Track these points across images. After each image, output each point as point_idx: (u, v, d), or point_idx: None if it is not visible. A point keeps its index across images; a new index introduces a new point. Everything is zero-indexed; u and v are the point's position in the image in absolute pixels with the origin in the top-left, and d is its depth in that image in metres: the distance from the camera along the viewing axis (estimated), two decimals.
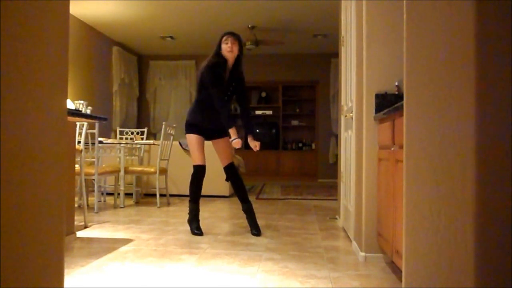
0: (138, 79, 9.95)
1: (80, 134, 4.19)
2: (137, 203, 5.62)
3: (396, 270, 2.51)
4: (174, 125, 5.88)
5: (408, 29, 1.34)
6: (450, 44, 1.00)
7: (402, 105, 1.97)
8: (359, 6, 2.97)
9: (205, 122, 3.69)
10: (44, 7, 1.05)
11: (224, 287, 2.25)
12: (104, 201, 5.62)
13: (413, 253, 1.28)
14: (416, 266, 1.26)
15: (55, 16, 1.10)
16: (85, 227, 3.80)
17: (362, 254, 2.78)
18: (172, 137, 5.56)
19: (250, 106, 3.87)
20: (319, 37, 8.36)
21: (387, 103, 2.70)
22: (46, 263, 1.08)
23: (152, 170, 5.27)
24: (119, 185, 5.24)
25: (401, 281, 1.84)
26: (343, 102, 3.89)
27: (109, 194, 5.94)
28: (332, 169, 9.02)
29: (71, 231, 3.34)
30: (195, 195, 3.69)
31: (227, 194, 6.20)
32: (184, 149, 6.22)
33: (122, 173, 5.17)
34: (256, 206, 5.39)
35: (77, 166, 3.96)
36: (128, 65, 9.38)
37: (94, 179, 4.67)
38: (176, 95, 10.06)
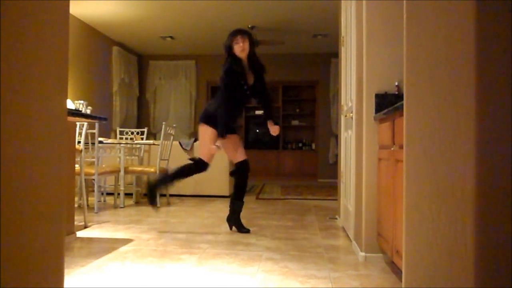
0: (138, 79, 9.95)
1: (80, 134, 4.19)
2: (137, 203, 5.62)
3: (396, 270, 2.51)
4: (174, 125, 5.88)
5: (408, 29, 1.34)
6: (450, 44, 0.99)
7: (402, 105, 1.97)
8: (359, 6, 2.97)
9: (230, 122, 3.69)
10: (44, 7, 1.05)
11: (224, 287, 2.25)
12: (104, 201, 5.62)
13: (413, 253, 1.28)
14: (416, 266, 1.26)
15: (55, 16, 1.10)
16: (85, 227, 3.80)
17: (362, 254, 2.78)
18: (172, 137, 5.56)
19: (269, 95, 3.92)
20: (319, 37, 8.36)
21: (387, 103, 2.70)
22: (46, 263, 1.08)
23: (152, 170, 5.27)
24: (119, 185, 5.24)
25: (401, 281, 1.84)
26: (343, 102, 3.89)
27: (109, 194, 5.94)
28: (332, 169, 9.02)
29: (71, 231, 3.34)
30: (171, 180, 3.68)
31: (227, 194, 6.19)
32: (184, 149, 6.23)
33: (122, 173, 5.17)
34: (256, 206, 5.42)
35: (77, 166, 3.96)
36: (128, 65, 9.38)
37: (94, 179, 4.67)
38: (176, 95, 10.06)
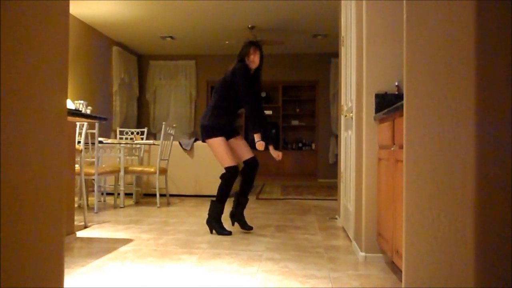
0: (138, 79, 9.95)
1: (80, 134, 4.19)
2: (137, 203, 5.61)
3: (396, 270, 2.51)
4: (174, 125, 5.88)
5: (408, 29, 1.34)
6: (450, 44, 0.99)
7: (402, 105, 1.97)
8: (359, 6, 2.97)
9: (227, 125, 3.76)
10: (44, 7, 1.05)
11: (224, 287, 2.25)
12: (104, 201, 5.62)
13: (413, 253, 1.28)
14: (416, 266, 1.26)
15: (55, 16, 1.10)
16: (85, 227, 3.80)
17: (362, 254, 2.78)
18: (172, 137, 5.56)
19: (265, 116, 3.98)
20: (319, 37, 8.36)
21: (387, 103, 2.70)
22: (46, 263, 1.08)
23: (152, 170, 5.27)
24: (119, 185, 5.24)
25: (401, 281, 1.84)
26: (343, 102, 3.89)
27: (109, 194, 5.93)
28: (332, 169, 9.02)
29: (71, 231, 3.34)
30: (225, 196, 3.70)
31: None
32: (184, 149, 6.23)
33: (122, 173, 5.17)
34: (256, 206, 5.42)
35: (77, 166, 3.96)
36: (128, 65, 9.38)
37: (94, 179, 4.67)
38: (176, 95, 10.06)
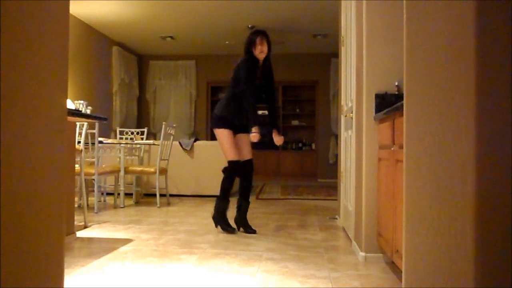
0: (138, 79, 9.95)
1: (80, 134, 4.19)
2: (137, 203, 5.62)
3: (396, 270, 2.51)
4: (174, 125, 5.88)
5: (408, 29, 1.34)
6: (450, 44, 0.99)
7: (402, 105, 1.97)
8: (359, 6, 2.97)
9: (236, 117, 3.75)
10: (44, 7, 1.05)
11: (224, 287, 2.25)
12: (104, 201, 5.62)
13: (413, 253, 1.28)
14: (416, 266, 1.26)
15: (55, 16, 1.10)
16: (85, 227, 3.80)
17: (362, 254, 2.78)
18: (172, 137, 5.56)
19: (276, 103, 3.98)
20: (319, 37, 8.36)
21: (387, 103, 2.70)
22: (46, 263, 1.08)
23: (152, 170, 5.27)
24: (119, 185, 5.24)
25: (401, 281, 1.84)
26: (343, 102, 3.89)
27: (109, 194, 5.94)
28: (332, 169, 9.02)
29: (71, 231, 3.33)
30: (227, 191, 3.72)
31: None
32: (184, 149, 6.23)
33: (122, 173, 5.17)
34: (256, 206, 5.42)
35: (77, 166, 3.96)
36: (128, 65, 9.38)
37: (94, 179, 4.67)
38: (176, 95, 10.06)
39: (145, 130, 6.74)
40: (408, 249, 1.33)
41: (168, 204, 5.47)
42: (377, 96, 2.76)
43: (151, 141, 6.07)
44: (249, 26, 7.55)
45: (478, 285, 0.83)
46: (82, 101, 5.20)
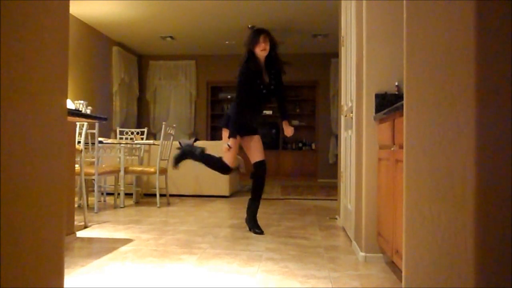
0: (138, 79, 9.95)
1: (80, 134, 4.19)
2: (137, 203, 5.61)
3: (396, 270, 2.51)
4: (174, 125, 5.88)
5: (408, 29, 1.34)
6: (450, 44, 0.99)
7: (402, 105, 1.97)
8: (359, 6, 2.97)
9: (249, 121, 3.78)
10: (44, 7, 1.05)
11: (224, 287, 2.25)
12: (104, 201, 5.62)
13: (413, 253, 1.28)
14: (416, 266, 1.25)
15: (55, 16, 1.10)
16: (85, 227, 3.80)
17: (362, 254, 2.78)
18: (172, 137, 5.56)
19: (285, 95, 4.05)
20: (319, 37, 8.36)
21: (387, 103, 2.70)
22: (46, 263, 1.08)
23: (152, 170, 5.27)
24: (119, 185, 5.24)
25: (401, 281, 1.84)
26: (343, 102, 3.89)
27: (109, 194, 5.94)
28: (332, 169, 9.02)
29: (71, 231, 3.33)
30: (200, 158, 3.87)
31: (227, 194, 6.19)
32: None
33: (122, 173, 5.17)
34: None
35: (77, 166, 3.96)
36: (128, 65, 9.38)
37: (94, 179, 4.67)
38: (176, 95, 10.06)
39: (145, 130, 6.74)
40: (408, 249, 1.33)
41: (168, 204, 5.47)
42: (377, 96, 2.76)
43: (151, 141, 6.07)
44: (249, 26, 7.55)
45: (478, 285, 0.83)
46: (82, 101, 5.20)
